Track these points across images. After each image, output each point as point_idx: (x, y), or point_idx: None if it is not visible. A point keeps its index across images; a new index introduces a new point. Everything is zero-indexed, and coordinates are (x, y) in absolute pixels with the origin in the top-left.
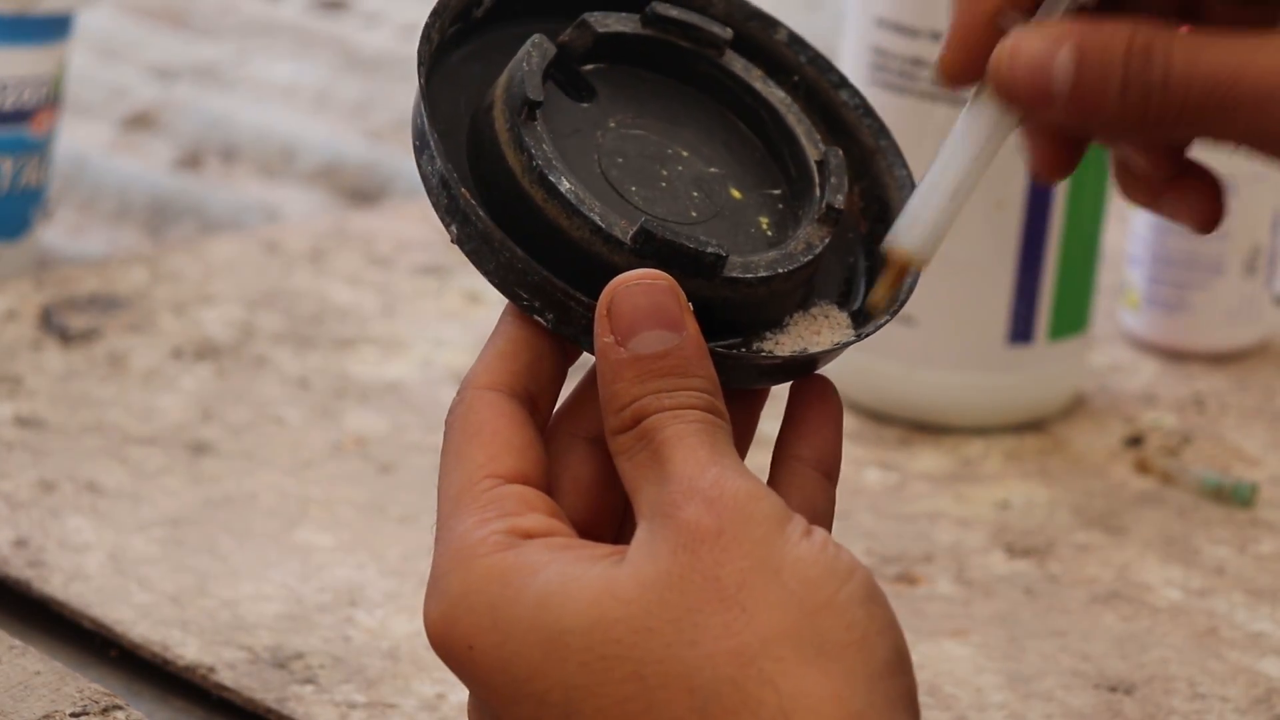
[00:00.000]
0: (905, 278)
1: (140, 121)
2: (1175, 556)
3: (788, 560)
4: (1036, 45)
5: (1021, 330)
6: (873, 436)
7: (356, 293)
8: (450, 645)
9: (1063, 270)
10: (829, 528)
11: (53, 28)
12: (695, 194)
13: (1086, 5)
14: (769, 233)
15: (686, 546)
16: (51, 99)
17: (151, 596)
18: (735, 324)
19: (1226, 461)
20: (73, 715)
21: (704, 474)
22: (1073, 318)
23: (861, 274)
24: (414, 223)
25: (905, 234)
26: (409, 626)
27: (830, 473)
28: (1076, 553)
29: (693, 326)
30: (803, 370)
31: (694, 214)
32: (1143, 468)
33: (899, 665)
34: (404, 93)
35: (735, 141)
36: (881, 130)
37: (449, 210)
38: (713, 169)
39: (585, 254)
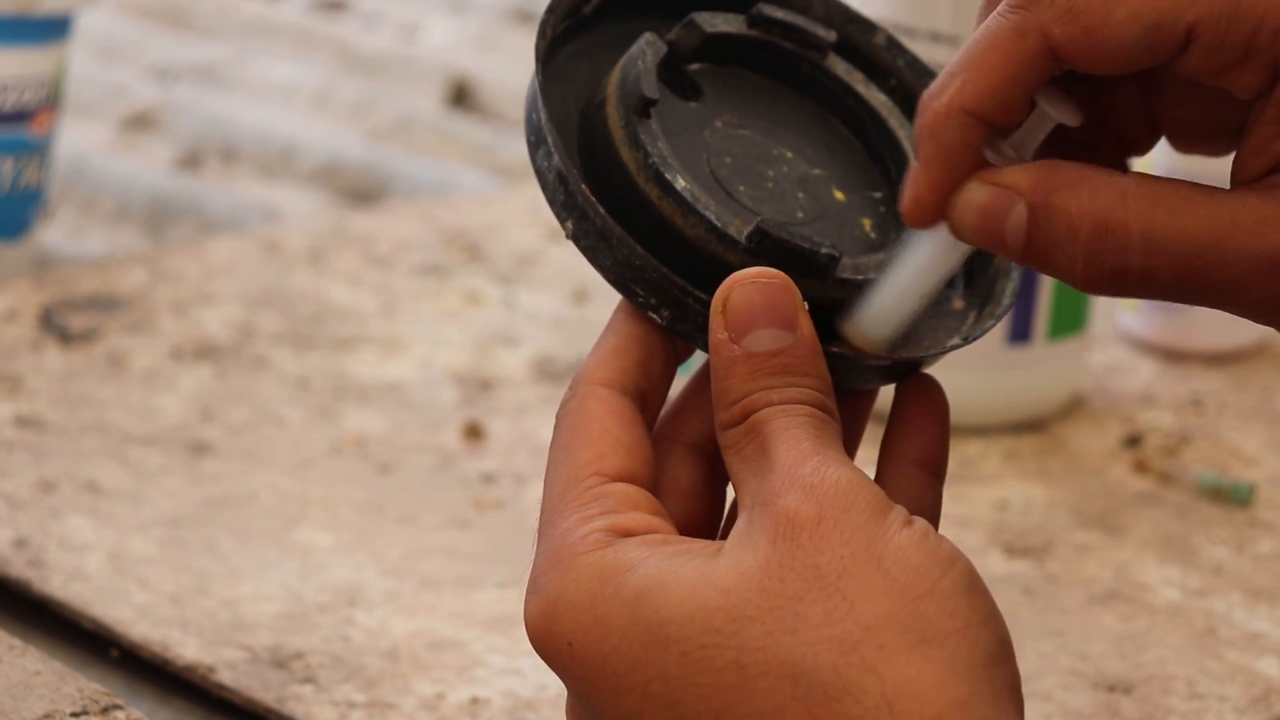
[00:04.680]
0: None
1: (140, 121)
2: (1173, 556)
3: (889, 548)
4: (989, 199)
5: (1020, 330)
6: (871, 436)
7: (356, 293)
8: (550, 642)
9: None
10: (937, 526)
11: (53, 28)
12: (800, 195)
13: (1071, 125)
14: (872, 235)
15: (786, 534)
16: (51, 99)
17: (151, 596)
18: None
19: (1225, 461)
20: (73, 715)
21: (805, 463)
22: (1071, 318)
23: (960, 278)
24: (413, 223)
25: (867, 328)
26: (408, 626)
27: (937, 471)
28: (1075, 553)
29: (807, 326)
30: (909, 371)
31: (800, 214)
32: (1141, 468)
33: (1002, 655)
34: (403, 93)
35: (836, 144)
36: None
37: (565, 206)
38: (816, 170)
39: (699, 252)
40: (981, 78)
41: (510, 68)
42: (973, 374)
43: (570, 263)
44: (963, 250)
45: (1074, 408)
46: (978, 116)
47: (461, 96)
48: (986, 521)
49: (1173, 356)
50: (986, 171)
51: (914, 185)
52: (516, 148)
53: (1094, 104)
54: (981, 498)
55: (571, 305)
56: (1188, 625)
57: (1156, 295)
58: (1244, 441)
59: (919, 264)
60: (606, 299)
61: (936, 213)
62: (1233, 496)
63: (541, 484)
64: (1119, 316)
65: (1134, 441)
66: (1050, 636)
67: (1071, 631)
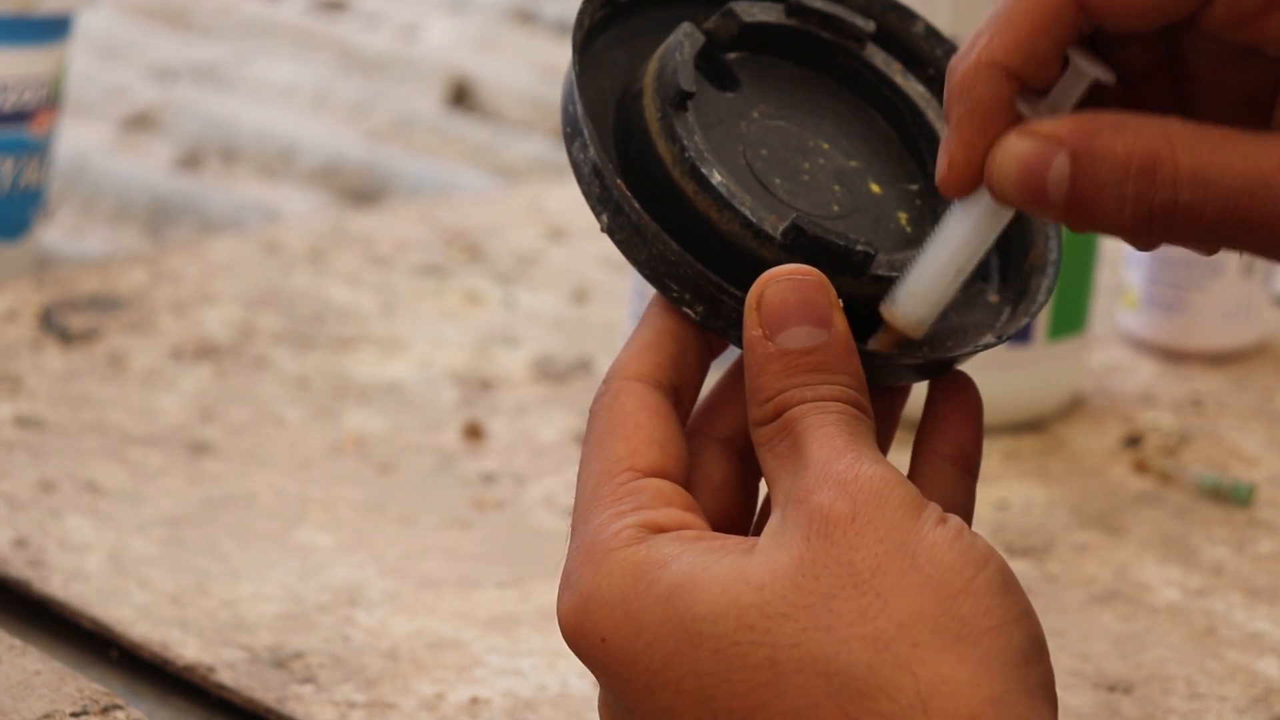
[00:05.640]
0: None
1: (140, 121)
2: (1173, 556)
3: (923, 545)
4: (1029, 150)
5: (1020, 330)
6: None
7: (356, 293)
8: (583, 638)
9: (1061, 270)
10: (970, 523)
11: (53, 28)
12: (836, 188)
13: (1106, 82)
14: (908, 229)
15: (820, 531)
16: (51, 99)
17: (151, 596)
18: (877, 320)
19: (1225, 461)
20: (73, 715)
21: (839, 460)
22: (1071, 318)
23: (995, 272)
24: (413, 223)
25: (906, 309)
26: (408, 626)
27: (970, 468)
28: (1075, 552)
29: (841, 324)
30: (943, 368)
31: (836, 208)
32: (1141, 468)
33: (1036, 653)
34: (403, 93)
35: (873, 135)
36: None
37: (600, 199)
38: (853, 163)
39: (734, 247)
40: (1009, 31)
41: (510, 68)
42: (973, 373)
43: (570, 263)
44: (1001, 219)
45: (1074, 408)
46: (1007, 70)
47: (461, 96)
48: (987, 521)
49: (1173, 356)
50: (1025, 124)
51: (946, 149)
52: (516, 147)
53: (1130, 76)
54: (981, 498)
55: (571, 305)
56: (1188, 625)
57: (1203, 236)
58: (1244, 441)
59: (956, 237)
60: (607, 299)
61: (972, 175)
62: (1233, 496)
63: (541, 483)
64: (1119, 316)
65: (1134, 441)
66: (1050, 636)
67: (1071, 631)
